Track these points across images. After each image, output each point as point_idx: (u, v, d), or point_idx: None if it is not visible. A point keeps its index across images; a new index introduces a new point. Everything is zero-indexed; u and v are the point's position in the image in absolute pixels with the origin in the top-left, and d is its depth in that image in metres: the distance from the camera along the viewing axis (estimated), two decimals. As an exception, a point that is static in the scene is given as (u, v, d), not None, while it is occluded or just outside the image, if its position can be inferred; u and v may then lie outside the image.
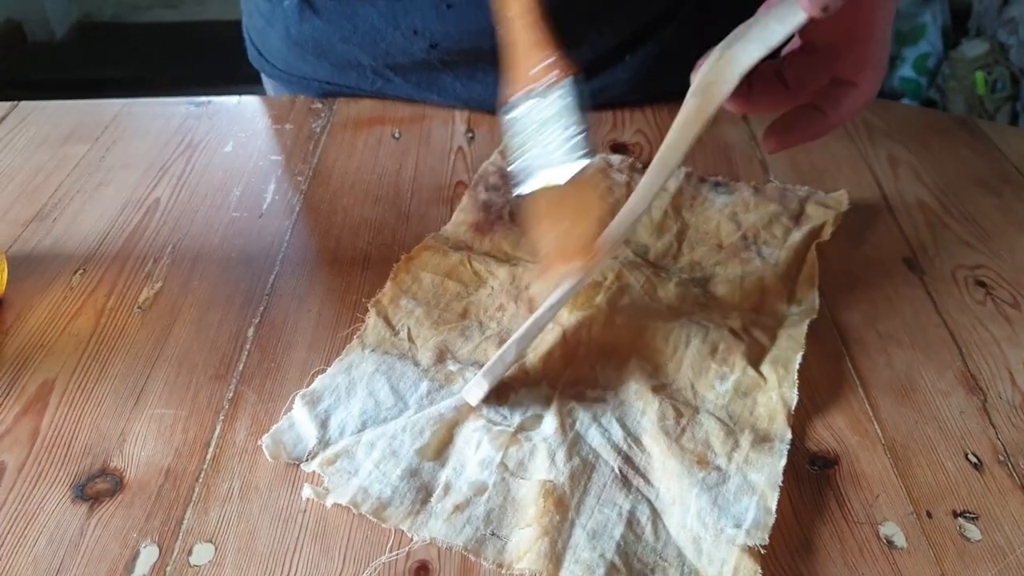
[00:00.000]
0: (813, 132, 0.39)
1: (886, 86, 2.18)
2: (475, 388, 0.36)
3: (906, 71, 2.15)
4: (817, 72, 0.37)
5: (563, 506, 0.33)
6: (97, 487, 0.34)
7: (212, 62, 1.85)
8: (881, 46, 0.37)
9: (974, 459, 0.36)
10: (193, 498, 0.34)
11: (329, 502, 0.33)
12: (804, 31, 0.37)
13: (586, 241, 0.34)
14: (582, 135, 0.33)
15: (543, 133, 0.33)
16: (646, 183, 0.36)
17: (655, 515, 0.33)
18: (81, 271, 0.46)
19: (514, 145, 0.34)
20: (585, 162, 0.33)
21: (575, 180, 0.33)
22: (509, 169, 0.35)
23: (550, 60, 0.32)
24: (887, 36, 0.37)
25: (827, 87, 0.38)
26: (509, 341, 0.37)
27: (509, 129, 0.34)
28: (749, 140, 0.57)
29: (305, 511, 0.34)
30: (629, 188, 0.51)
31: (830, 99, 0.38)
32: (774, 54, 0.36)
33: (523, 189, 0.34)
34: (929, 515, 0.34)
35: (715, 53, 0.35)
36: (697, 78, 0.35)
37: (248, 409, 0.38)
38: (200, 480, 0.35)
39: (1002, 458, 0.36)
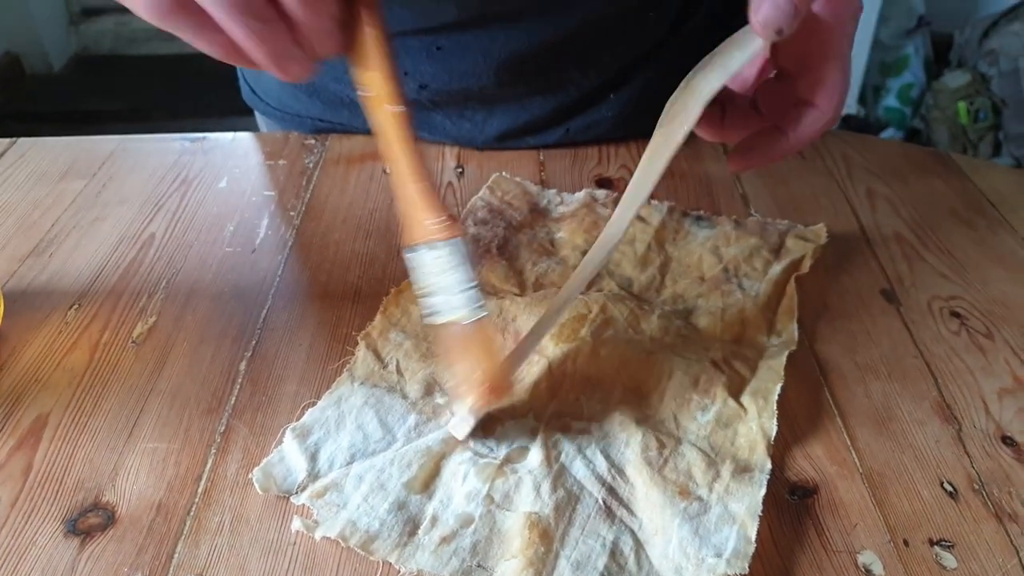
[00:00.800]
0: (774, 153, 0.39)
1: (872, 116, 2.22)
2: (462, 423, 0.37)
3: (891, 101, 2.19)
4: (785, 97, 0.38)
5: (548, 537, 0.34)
6: (89, 521, 0.35)
7: (209, 94, 1.87)
8: (839, 66, 0.37)
9: (949, 487, 0.37)
10: (184, 531, 0.35)
11: (318, 535, 0.34)
12: (770, 56, 0.38)
13: (494, 376, 0.37)
14: (473, 289, 0.36)
15: (440, 279, 0.36)
16: (620, 213, 0.38)
17: (638, 546, 0.34)
18: (76, 306, 0.46)
19: (417, 285, 0.37)
20: (481, 313, 0.36)
21: (476, 325, 0.36)
22: (419, 301, 0.38)
23: (442, 219, 0.36)
24: (846, 57, 0.37)
25: (788, 108, 0.38)
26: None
27: (411, 269, 0.37)
28: (731, 175, 0.59)
29: (295, 544, 0.34)
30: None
31: (790, 120, 0.38)
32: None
33: (431, 321, 0.37)
34: (906, 543, 0.35)
35: (681, 85, 0.36)
36: (664, 110, 0.37)
37: (239, 442, 0.38)
38: (191, 514, 0.35)
39: (976, 486, 0.37)
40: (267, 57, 0.32)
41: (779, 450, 0.38)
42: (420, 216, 0.36)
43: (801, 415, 0.40)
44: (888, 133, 2.18)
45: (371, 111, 0.37)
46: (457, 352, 0.37)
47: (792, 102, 0.38)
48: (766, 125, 0.39)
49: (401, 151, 0.36)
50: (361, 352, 0.42)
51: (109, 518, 0.35)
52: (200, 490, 0.36)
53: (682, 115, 0.36)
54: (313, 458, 0.37)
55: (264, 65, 0.33)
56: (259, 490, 0.36)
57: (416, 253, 0.36)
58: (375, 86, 0.36)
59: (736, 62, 0.35)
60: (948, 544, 0.35)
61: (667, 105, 0.37)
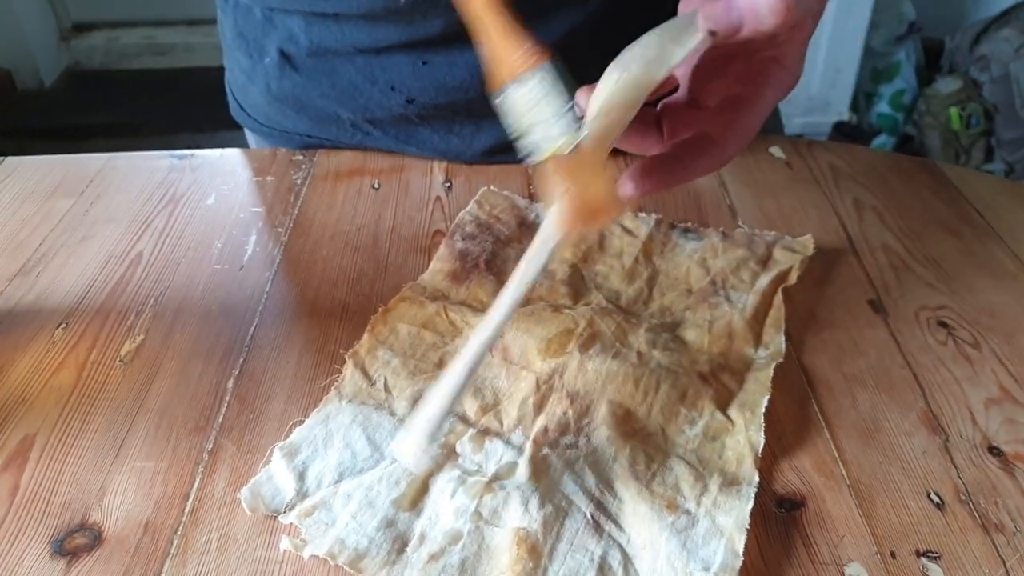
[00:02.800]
0: (669, 182, 0.39)
1: (864, 122, 2.23)
2: (418, 453, 0.34)
3: (883, 107, 2.20)
4: (691, 126, 0.38)
5: (536, 553, 0.34)
6: (76, 542, 0.35)
7: (200, 108, 1.87)
8: (758, 119, 0.38)
9: (936, 499, 0.37)
10: (171, 551, 0.34)
11: (306, 554, 0.34)
12: (696, 87, 0.38)
13: (602, 200, 0.35)
14: (570, 111, 0.34)
15: (535, 113, 0.34)
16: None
17: (626, 560, 0.34)
18: (64, 325, 0.46)
19: (513, 127, 0.35)
20: (582, 134, 0.34)
21: (577, 149, 0.34)
22: (517, 145, 0.35)
23: (526, 47, 0.34)
24: (768, 111, 0.38)
25: (693, 138, 0.38)
26: (446, 393, 0.35)
27: (504, 114, 0.35)
28: (718, 186, 0.59)
29: (283, 562, 0.34)
30: (602, 236, 0.52)
31: (692, 152, 0.38)
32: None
33: (532, 160, 0.35)
34: (893, 555, 0.35)
35: (613, 74, 0.34)
36: (598, 102, 0.35)
37: (227, 461, 0.38)
38: (179, 533, 0.35)
39: (963, 497, 0.37)
40: None
41: (767, 462, 0.38)
42: (502, 54, 0.34)
43: (788, 427, 0.40)
44: (880, 139, 2.19)
45: None
46: (564, 184, 0.35)
47: (698, 133, 0.38)
48: (660, 146, 0.38)
49: None
50: (349, 370, 0.42)
51: (96, 538, 0.35)
52: (187, 509, 0.36)
53: (620, 109, 0.34)
54: (301, 477, 0.37)
55: None
56: (247, 510, 0.36)
57: (504, 95, 0.34)
58: None
59: (676, 57, 0.33)
60: (935, 555, 0.35)
61: (600, 97, 0.34)
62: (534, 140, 0.34)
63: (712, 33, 0.34)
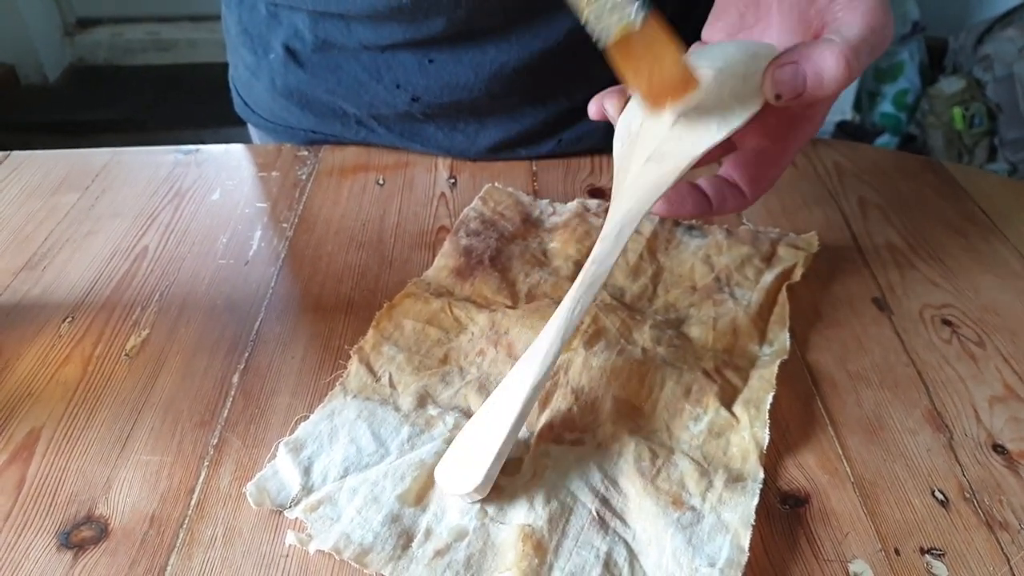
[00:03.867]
0: (694, 214, 0.41)
1: (867, 122, 2.23)
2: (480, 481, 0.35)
3: (886, 107, 2.20)
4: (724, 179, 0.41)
5: (542, 549, 0.34)
6: (82, 534, 0.35)
7: (203, 103, 1.88)
8: (781, 172, 0.40)
9: (941, 496, 0.37)
10: (177, 544, 0.35)
11: (312, 548, 0.34)
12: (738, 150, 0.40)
13: (675, 78, 0.35)
14: None
15: None
16: (602, 253, 0.38)
17: (632, 556, 0.34)
18: (69, 319, 0.47)
19: (578, 13, 0.34)
20: (647, 8, 0.33)
21: (645, 25, 0.34)
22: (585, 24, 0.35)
23: None
24: (788, 164, 0.41)
25: (719, 182, 0.40)
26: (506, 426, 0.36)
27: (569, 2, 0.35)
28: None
29: (288, 556, 0.34)
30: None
31: (718, 194, 0.40)
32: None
33: (601, 43, 0.35)
34: (897, 552, 0.35)
35: (667, 116, 0.36)
36: (653, 144, 0.37)
37: (232, 455, 0.39)
38: (184, 526, 0.35)
39: (968, 495, 0.37)
40: None
41: (771, 459, 0.38)
42: None
43: (793, 424, 0.40)
44: (884, 139, 2.19)
45: None
46: (636, 62, 0.35)
47: (724, 181, 0.40)
48: (708, 208, 0.41)
49: None
50: (354, 366, 0.42)
51: (102, 531, 0.35)
52: (193, 503, 0.36)
53: (673, 159, 0.36)
54: (307, 472, 0.37)
55: None
56: (253, 505, 0.36)
57: None
58: None
59: (736, 121, 0.35)
60: (939, 553, 0.35)
61: (656, 140, 0.37)
62: (602, 24, 0.34)
63: (777, 97, 0.34)
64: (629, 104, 0.41)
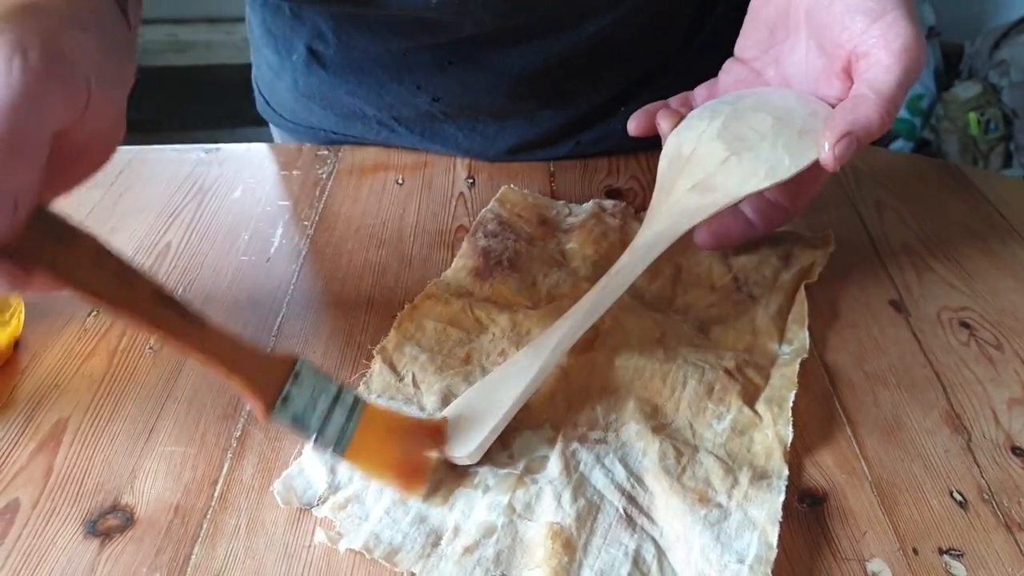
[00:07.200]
0: (743, 238, 0.48)
1: (881, 127, 2.22)
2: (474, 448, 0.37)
3: (900, 112, 2.19)
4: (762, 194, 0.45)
5: (571, 547, 0.34)
6: (108, 523, 0.36)
7: (220, 104, 1.89)
8: (819, 189, 0.46)
9: (959, 497, 0.37)
10: (201, 534, 0.35)
11: (342, 547, 0.34)
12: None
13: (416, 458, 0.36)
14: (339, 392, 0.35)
15: (317, 406, 0.35)
16: (629, 264, 0.41)
17: (660, 553, 0.34)
18: (95, 313, 0.47)
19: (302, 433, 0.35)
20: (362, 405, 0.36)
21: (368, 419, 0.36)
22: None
23: (272, 358, 0.35)
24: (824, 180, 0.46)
25: (764, 206, 0.46)
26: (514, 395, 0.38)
27: (284, 429, 0.35)
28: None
29: (310, 547, 0.35)
30: (623, 231, 0.52)
31: (763, 216, 0.46)
32: None
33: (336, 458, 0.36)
34: (915, 552, 0.35)
35: (721, 150, 0.40)
36: (702, 173, 0.40)
37: (255, 448, 0.39)
38: (208, 516, 0.36)
39: (986, 496, 0.37)
40: None
41: (789, 458, 0.39)
42: (251, 377, 0.33)
43: (810, 424, 0.41)
44: (898, 144, 2.18)
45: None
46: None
47: (769, 202, 0.46)
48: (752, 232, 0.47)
49: None
50: (377, 366, 0.43)
51: (128, 520, 0.36)
52: (216, 494, 0.37)
53: (715, 193, 0.40)
54: (332, 470, 0.37)
55: None
56: (280, 503, 0.36)
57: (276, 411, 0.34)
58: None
59: (784, 173, 0.39)
60: (957, 553, 0.35)
61: (700, 169, 0.41)
62: (329, 435, 0.34)
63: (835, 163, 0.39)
64: (683, 123, 0.42)
